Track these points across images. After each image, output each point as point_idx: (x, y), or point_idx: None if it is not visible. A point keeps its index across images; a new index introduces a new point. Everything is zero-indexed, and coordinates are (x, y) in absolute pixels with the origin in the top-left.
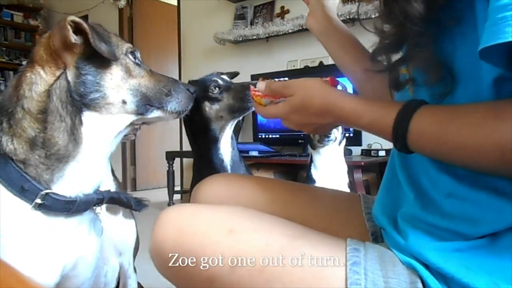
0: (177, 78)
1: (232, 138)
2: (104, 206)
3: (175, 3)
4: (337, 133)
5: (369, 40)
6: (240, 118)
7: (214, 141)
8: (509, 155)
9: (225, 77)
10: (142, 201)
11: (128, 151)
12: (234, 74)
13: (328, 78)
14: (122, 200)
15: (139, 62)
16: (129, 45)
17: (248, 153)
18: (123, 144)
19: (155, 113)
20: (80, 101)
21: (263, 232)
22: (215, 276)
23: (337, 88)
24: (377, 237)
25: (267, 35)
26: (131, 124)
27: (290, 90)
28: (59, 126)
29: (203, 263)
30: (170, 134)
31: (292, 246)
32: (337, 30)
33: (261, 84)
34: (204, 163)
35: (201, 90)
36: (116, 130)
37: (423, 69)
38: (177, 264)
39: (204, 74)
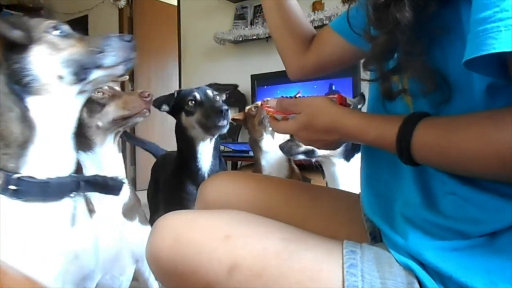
0: (178, 78)
1: (215, 149)
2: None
3: (175, 3)
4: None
5: None
6: (215, 136)
7: (192, 149)
8: (510, 162)
9: (209, 92)
10: (118, 179)
11: (128, 151)
12: (234, 86)
13: (336, 96)
14: (98, 181)
15: (65, 34)
16: (50, 21)
17: (248, 153)
18: (123, 145)
19: (96, 73)
20: (19, 89)
21: (260, 236)
22: (213, 282)
23: (347, 105)
24: (376, 237)
25: (267, 35)
26: (82, 92)
27: (298, 108)
28: (10, 117)
29: (200, 270)
30: (170, 134)
31: (289, 249)
32: None
33: (272, 101)
34: (183, 168)
35: (181, 101)
36: (65, 106)
37: (418, 78)
38: (175, 271)
39: (204, 74)
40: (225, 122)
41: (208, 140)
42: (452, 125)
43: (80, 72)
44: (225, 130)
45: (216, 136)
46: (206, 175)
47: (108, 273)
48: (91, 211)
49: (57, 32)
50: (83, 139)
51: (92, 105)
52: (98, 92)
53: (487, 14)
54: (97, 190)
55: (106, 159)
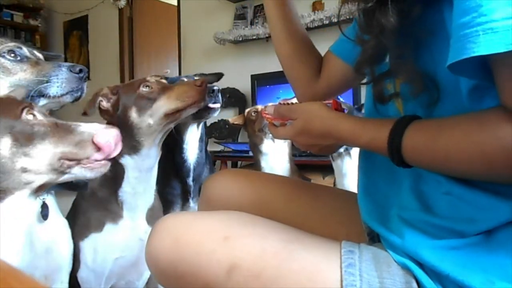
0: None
1: (201, 140)
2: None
3: (175, 3)
4: None
5: None
6: (205, 120)
7: (178, 138)
8: (496, 163)
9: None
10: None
11: None
12: (218, 76)
13: (331, 101)
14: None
15: (20, 58)
16: (8, 45)
17: (248, 153)
18: None
19: (42, 101)
20: None
21: (258, 237)
22: (212, 283)
23: (342, 110)
24: (374, 237)
25: (267, 35)
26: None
27: (294, 114)
28: None
29: (200, 271)
30: None
31: (287, 250)
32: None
33: (269, 108)
34: (168, 160)
35: None
36: None
37: (408, 80)
38: (174, 273)
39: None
40: (217, 104)
41: (195, 127)
42: (439, 127)
43: (27, 98)
44: (216, 114)
45: (202, 125)
46: (191, 167)
47: (123, 279)
48: (119, 216)
49: (10, 57)
50: (132, 142)
51: (140, 102)
52: (146, 86)
53: (466, 20)
54: (65, 188)
55: (149, 161)
